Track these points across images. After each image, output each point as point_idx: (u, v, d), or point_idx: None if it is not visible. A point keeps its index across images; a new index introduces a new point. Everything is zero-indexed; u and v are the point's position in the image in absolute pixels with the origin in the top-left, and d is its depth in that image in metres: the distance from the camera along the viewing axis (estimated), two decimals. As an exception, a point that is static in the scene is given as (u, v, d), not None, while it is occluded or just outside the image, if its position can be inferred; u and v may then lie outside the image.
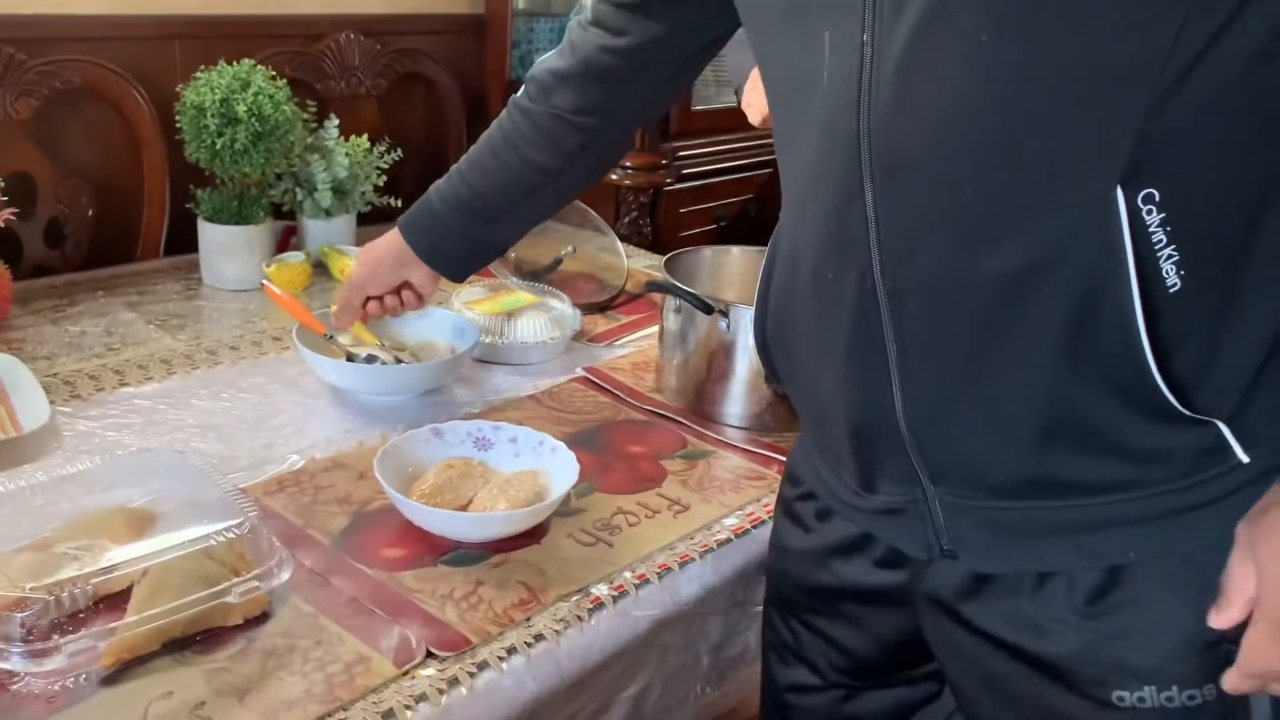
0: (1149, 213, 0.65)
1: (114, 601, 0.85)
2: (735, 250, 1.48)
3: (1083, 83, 0.63)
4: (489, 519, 0.99)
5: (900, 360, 0.74)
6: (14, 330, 1.41)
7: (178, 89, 1.58)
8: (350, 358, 1.28)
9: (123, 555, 0.85)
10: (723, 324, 1.26)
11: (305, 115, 1.67)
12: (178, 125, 1.57)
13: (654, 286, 1.32)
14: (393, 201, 1.72)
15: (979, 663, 0.83)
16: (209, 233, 1.60)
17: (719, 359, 1.28)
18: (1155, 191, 0.64)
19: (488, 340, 1.40)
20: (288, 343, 1.40)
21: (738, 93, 1.46)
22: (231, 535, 0.88)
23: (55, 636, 0.79)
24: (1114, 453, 0.71)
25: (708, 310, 1.26)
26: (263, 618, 0.88)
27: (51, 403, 1.18)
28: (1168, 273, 0.66)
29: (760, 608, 1.06)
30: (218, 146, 1.52)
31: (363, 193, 1.74)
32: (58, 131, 1.66)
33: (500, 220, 1.18)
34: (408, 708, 0.80)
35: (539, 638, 0.90)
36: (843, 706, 0.99)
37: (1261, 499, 0.71)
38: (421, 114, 2.14)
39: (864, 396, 0.78)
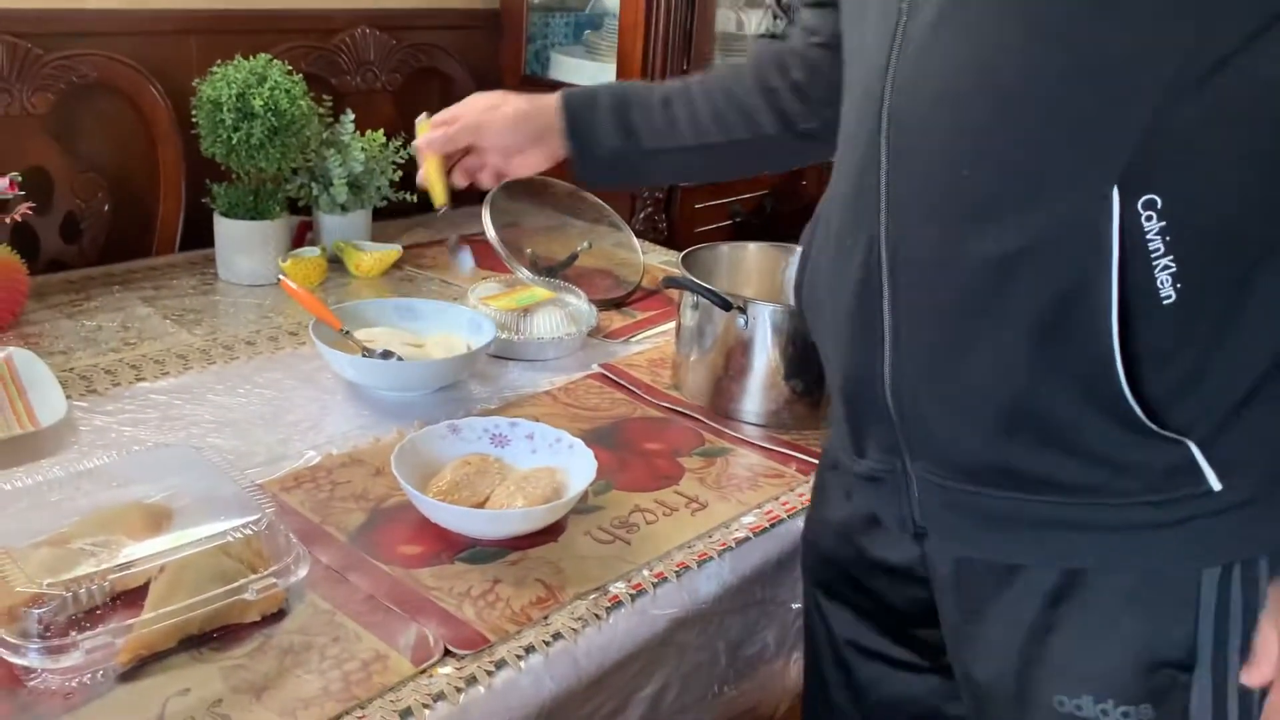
0: (1149, 219, 0.64)
1: (131, 598, 0.85)
2: (752, 247, 1.47)
3: (1085, 76, 0.63)
4: (506, 516, 0.99)
5: (893, 330, 0.75)
6: (30, 325, 1.41)
7: (194, 83, 1.58)
8: (366, 353, 1.28)
9: (140, 551, 0.85)
10: (740, 321, 1.25)
11: (321, 110, 1.67)
12: (194, 120, 1.57)
13: (672, 283, 1.31)
14: (408, 197, 1.71)
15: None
16: (225, 228, 1.60)
17: (737, 356, 1.27)
18: (1158, 199, 0.63)
19: (504, 336, 1.40)
20: (304, 338, 1.39)
21: None
22: (248, 532, 0.87)
23: (72, 633, 0.79)
24: (1076, 455, 0.71)
25: (726, 307, 1.25)
26: (280, 615, 0.87)
27: (68, 398, 1.18)
28: (1162, 283, 0.65)
29: (778, 606, 1.05)
30: (234, 141, 1.52)
31: (378, 188, 1.74)
32: (74, 126, 1.66)
33: (677, 155, 1.11)
34: (426, 706, 0.80)
35: (557, 636, 0.89)
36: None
37: None
38: (437, 109, 2.10)
39: (858, 359, 0.79)
